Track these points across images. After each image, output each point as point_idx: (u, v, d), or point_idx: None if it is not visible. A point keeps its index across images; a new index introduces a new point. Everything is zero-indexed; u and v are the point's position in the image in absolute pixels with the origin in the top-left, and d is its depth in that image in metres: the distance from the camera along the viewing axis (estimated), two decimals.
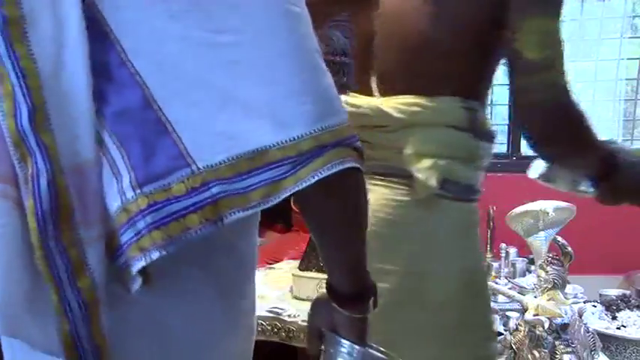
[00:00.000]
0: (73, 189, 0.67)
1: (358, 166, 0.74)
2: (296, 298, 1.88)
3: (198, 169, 0.68)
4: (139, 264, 0.68)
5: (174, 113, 0.69)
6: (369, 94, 1.24)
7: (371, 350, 0.89)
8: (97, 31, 0.69)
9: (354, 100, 1.24)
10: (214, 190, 0.68)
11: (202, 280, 0.79)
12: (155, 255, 0.67)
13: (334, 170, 0.70)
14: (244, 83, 0.69)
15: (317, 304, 0.93)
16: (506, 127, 3.22)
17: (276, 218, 2.82)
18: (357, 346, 0.86)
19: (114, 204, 0.69)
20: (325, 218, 0.78)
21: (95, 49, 0.69)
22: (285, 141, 0.69)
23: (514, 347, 1.84)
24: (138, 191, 0.68)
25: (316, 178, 0.69)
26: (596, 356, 1.87)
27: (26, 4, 0.66)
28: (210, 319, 0.81)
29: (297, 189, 0.69)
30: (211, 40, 0.69)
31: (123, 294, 0.71)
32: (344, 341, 0.86)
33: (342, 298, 0.85)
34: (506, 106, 3.21)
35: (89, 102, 0.68)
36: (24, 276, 0.69)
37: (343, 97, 1.18)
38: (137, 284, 0.70)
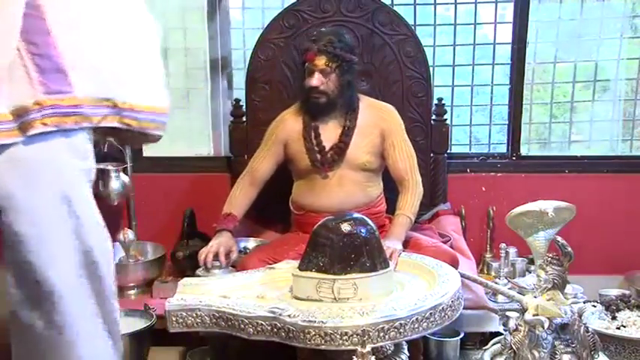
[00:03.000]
0: None
1: None
2: (296, 298, 1.88)
3: (76, 94, 1.33)
4: (40, 129, 1.30)
5: (68, 61, 1.32)
6: None
7: None
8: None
9: None
10: (84, 109, 1.34)
11: None
12: (51, 128, 1.31)
13: None
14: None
15: None
16: (506, 127, 3.22)
17: (276, 219, 2.82)
18: None
19: (30, 99, 1.29)
20: None
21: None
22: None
23: (514, 347, 1.84)
24: (46, 96, 1.30)
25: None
26: (595, 356, 1.87)
27: None
28: None
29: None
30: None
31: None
32: None
33: None
34: (506, 106, 3.21)
35: (16, 40, 1.27)
36: None
37: None
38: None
